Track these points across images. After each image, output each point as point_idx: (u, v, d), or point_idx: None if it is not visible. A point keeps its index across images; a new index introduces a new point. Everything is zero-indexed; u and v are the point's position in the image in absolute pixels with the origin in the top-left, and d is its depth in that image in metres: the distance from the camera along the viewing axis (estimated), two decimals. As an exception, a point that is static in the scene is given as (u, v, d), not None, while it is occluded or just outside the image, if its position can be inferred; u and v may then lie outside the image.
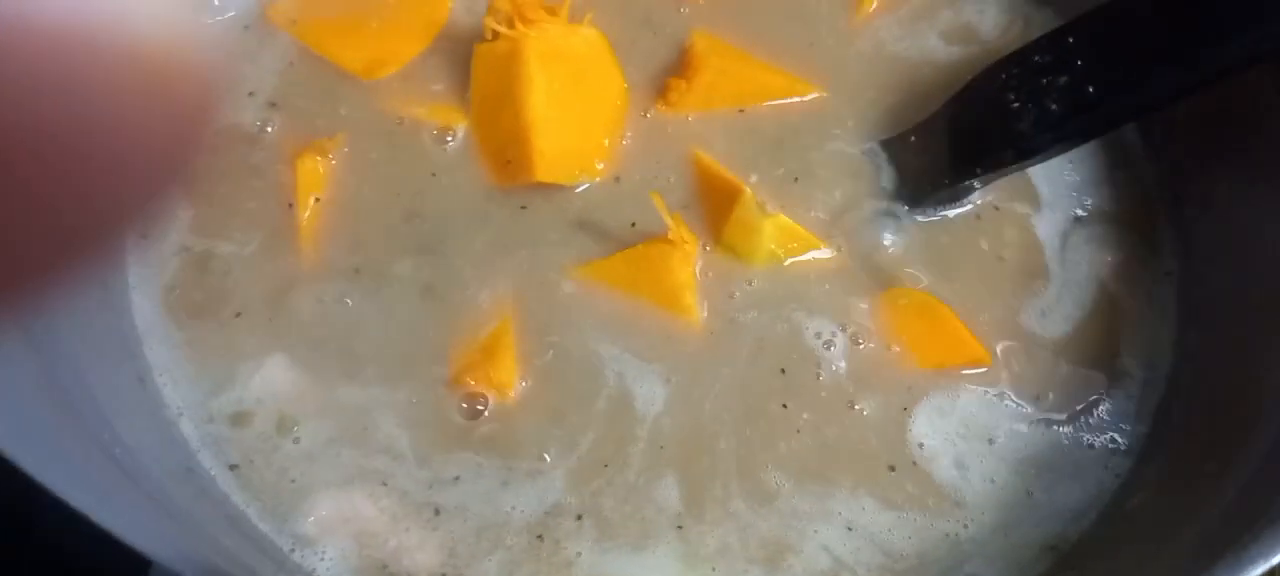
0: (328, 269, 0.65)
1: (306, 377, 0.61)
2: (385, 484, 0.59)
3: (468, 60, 0.71)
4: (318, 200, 0.67)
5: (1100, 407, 0.65)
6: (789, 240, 0.66)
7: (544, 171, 0.67)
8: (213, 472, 0.59)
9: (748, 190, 0.65)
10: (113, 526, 0.42)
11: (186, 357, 0.62)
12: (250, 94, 0.71)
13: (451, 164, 0.69)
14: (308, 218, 0.66)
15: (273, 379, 0.61)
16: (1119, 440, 0.64)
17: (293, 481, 0.59)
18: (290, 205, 0.67)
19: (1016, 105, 0.66)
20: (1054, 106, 0.64)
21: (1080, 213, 0.71)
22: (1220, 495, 0.56)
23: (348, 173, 0.68)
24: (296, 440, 0.60)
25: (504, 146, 0.69)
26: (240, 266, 0.65)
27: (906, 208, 0.69)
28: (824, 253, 0.67)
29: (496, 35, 0.69)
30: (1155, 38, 0.63)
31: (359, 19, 0.73)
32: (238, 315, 0.63)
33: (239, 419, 0.60)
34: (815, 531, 0.60)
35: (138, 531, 0.43)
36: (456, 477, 0.59)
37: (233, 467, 0.59)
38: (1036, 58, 0.66)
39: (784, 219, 0.65)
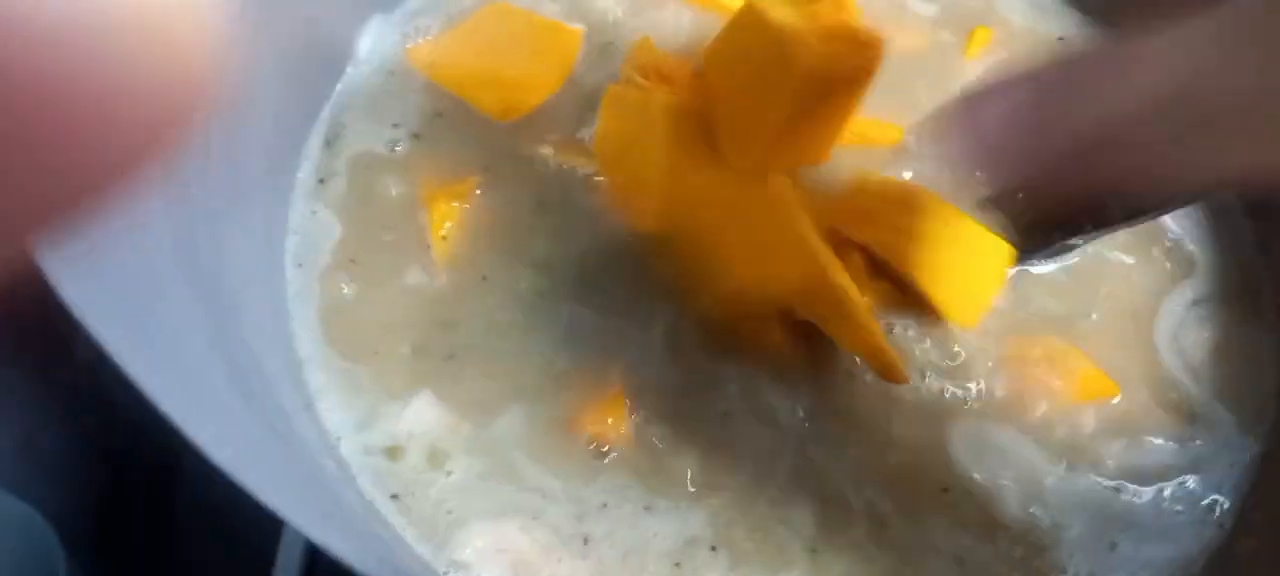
0: (462, 306, 0.69)
1: (452, 415, 0.64)
2: (536, 517, 0.62)
3: (594, 104, 0.74)
4: (444, 238, 0.70)
5: (1196, 461, 0.68)
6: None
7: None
8: (372, 499, 0.62)
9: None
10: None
11: (342, 387, 0.65)
12: (394, 125, 0.75)
13: (579, 203, 0.73)
14: (442, 249, 0.70)
15: (421, 416, 0.64)
16: (1218, 498, 0.67)
17: (449, 512, 0.62)
18: (427, 245, 0.70)
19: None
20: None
21: (1183, 264, 0.74)
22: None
23: (482, 211, 0.72)
24: (449, 473, 0.63)
25: (631, 192, 0.72)
26: (384, 299, 0.68)
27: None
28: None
29: (631, 82, 0.72)
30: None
31: (494, 66, 0.77)
32: (379, 352, 0.67)
33: (393, 452, 0.63)
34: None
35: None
36: (604, 504, 0.63)
37: (393, 497, 0.63)
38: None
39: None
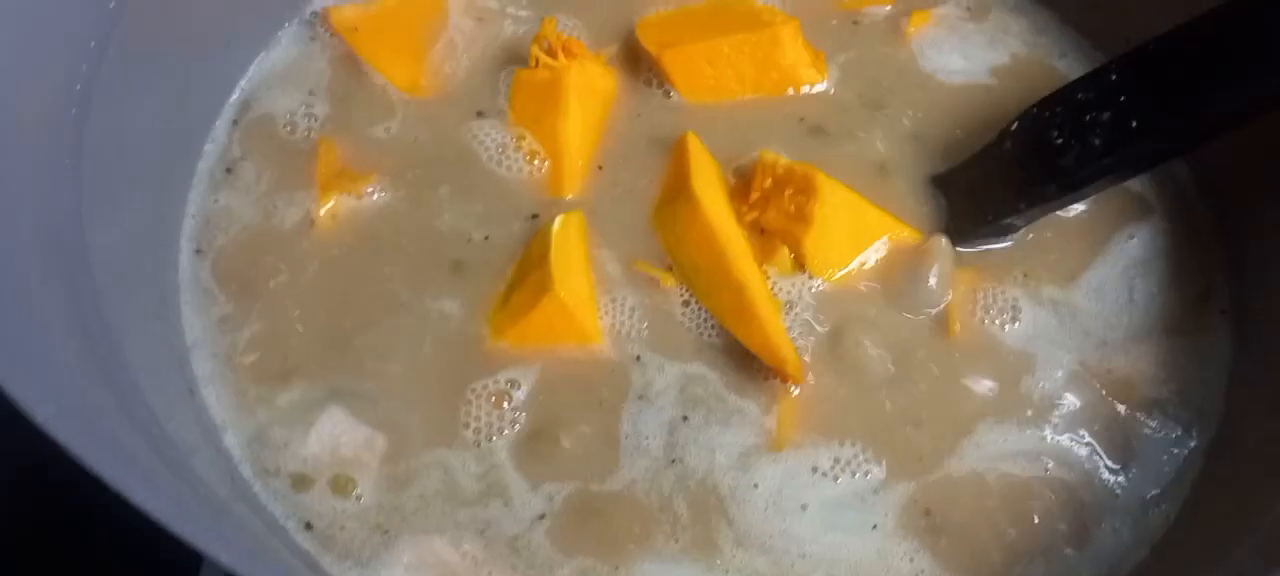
0: (346, 272, 0.67)
1: (362, 429, 0.62)
2: (464, 529, 0.60)
3: (506, 84, 0.74)
4: (334, 213, 0.69)
5: (1150, 446, 0.64)
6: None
7: (572, 189, 0.70)
8: (285, 525, 0.60)
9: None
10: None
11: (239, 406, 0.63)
12: (308, 96, 0.74)
13: (488, 178, 0.71)
14: (325, 220, 0.68)
15: (326, 432, 0.62)
16: (1166, 478, 0.63)
17: (378, 531, 0.60)
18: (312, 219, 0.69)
19: (1060, 141, 0.66)
20: (1097, 141, 0.64)
21: (1129, 250, 0.70)
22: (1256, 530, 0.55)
23: (387, 189, 0.70)
24: (360, 497, 0.60)
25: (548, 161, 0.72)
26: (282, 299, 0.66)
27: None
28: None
29: (539, 62, 0.71)
30: (1197, 73, 0.62)
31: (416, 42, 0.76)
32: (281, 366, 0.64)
33: (300, 481, 0.61)
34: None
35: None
36: (541, 515, 0.60)
37: (307, 526, 0.60)
38: (1080, 94, 0.66)
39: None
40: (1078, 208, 0.71)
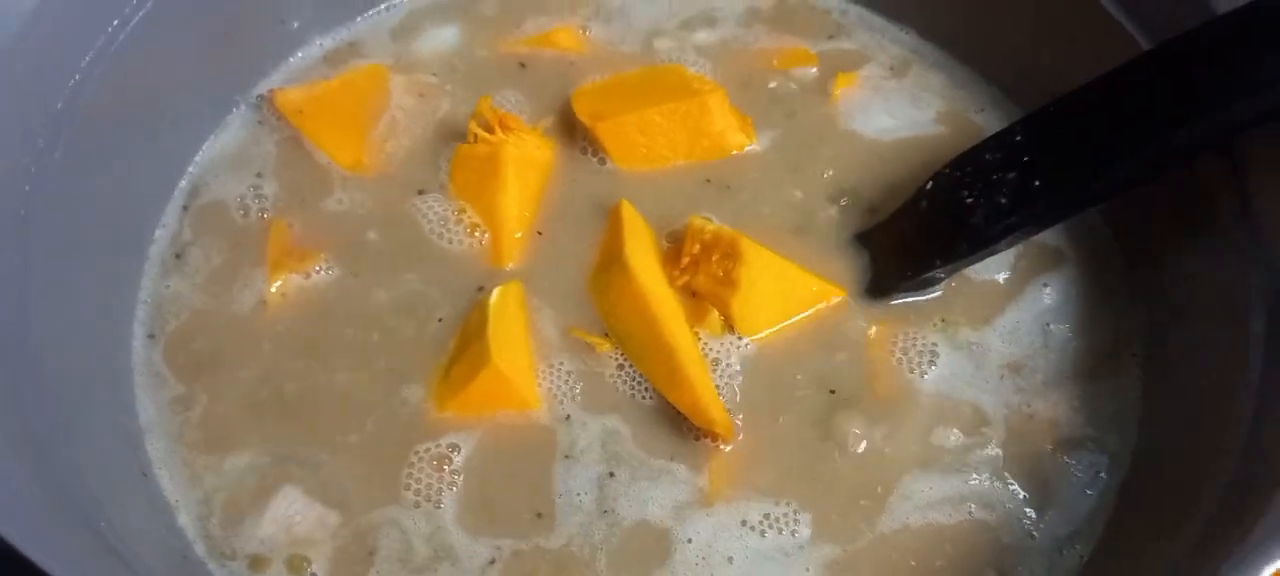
0: (308, 375, 0.69)
1: (316, 507, 0.64)
2: None
3: (446, 159, 0.78)
4: (282, 290, 0.72)
5: (1066, 487, 0.67)
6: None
7: (511, 259, 0.74)
8: None
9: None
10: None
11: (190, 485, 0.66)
12: (255, 178, 0.77)
13: (431, 251, 0.74)
14: (275, 298, 0.71)
15: (281, 512, 0.64)
16: (1081, 518, 0.66)
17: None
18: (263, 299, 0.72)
19: (970, 200, 0.69)
20: (1004, 200, 0.68)
21: (1043, 297, 0.74)
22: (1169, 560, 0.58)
23: (334, 266, 0.73)
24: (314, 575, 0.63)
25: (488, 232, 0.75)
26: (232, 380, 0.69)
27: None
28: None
29: (477, 138, 0.74)
30: (1095, 135, 0.66)
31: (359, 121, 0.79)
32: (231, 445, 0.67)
33: (257, 562, 0.63)
34: None
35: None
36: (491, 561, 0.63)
37: None
38: (987, 155, 0.70)
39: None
40: (996, 258, 0.74)
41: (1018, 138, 0.69)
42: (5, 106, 0.60)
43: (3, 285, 0.59)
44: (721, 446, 0.66)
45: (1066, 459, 0.68)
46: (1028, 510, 0.66)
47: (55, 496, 0.53)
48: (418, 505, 0.64)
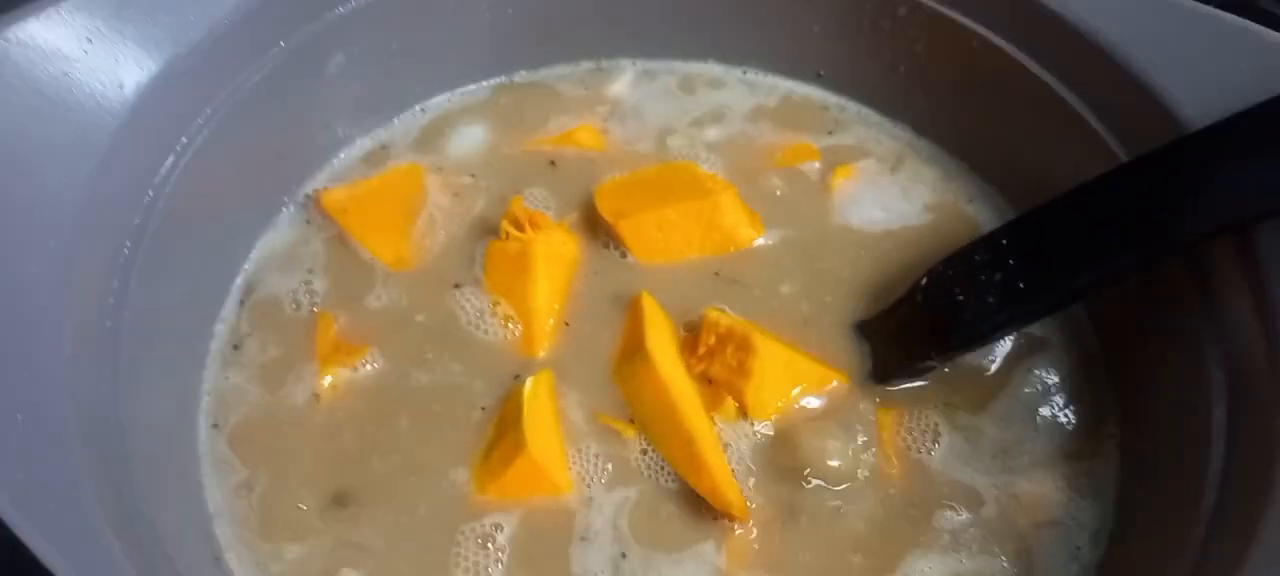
0: (349, 440, 0.76)
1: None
2: None
3: (480, 254, 0.84)
4: (334, 385, 0.78)
5: (1051, 564, 0.73)
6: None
7: (542, 349, 0.80)
8: None
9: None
10: None
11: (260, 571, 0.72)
12: (307, 275, 0.83)
13: (469, 342, 0.81)
14: (327, 392, 0.78)
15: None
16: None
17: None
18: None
19: (961, 298, 0.76)
20: (991, 299, 0.75)
21: (1031, 381, 0.80)
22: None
23: (380, 359, 0.79)
24: None
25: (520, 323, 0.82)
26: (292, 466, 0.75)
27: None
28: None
29: (509, 236, 0.81)
30: (1074, 241, 0.73)
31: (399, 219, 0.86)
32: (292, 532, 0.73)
33: None
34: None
35: None
36: None
37: None
38: (976, 256, 0.76)
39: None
40: (987, 347, 0.81)
41: (1004, 242, 0.76)
42: (97, 222, 0.67)
43: (97, 382, 0.65)
44: (736, 528, 0.73)
45: (1048, 536, 0.74)
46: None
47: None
48: (467, 582, 0.71)
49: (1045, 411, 0.79)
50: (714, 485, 0.72)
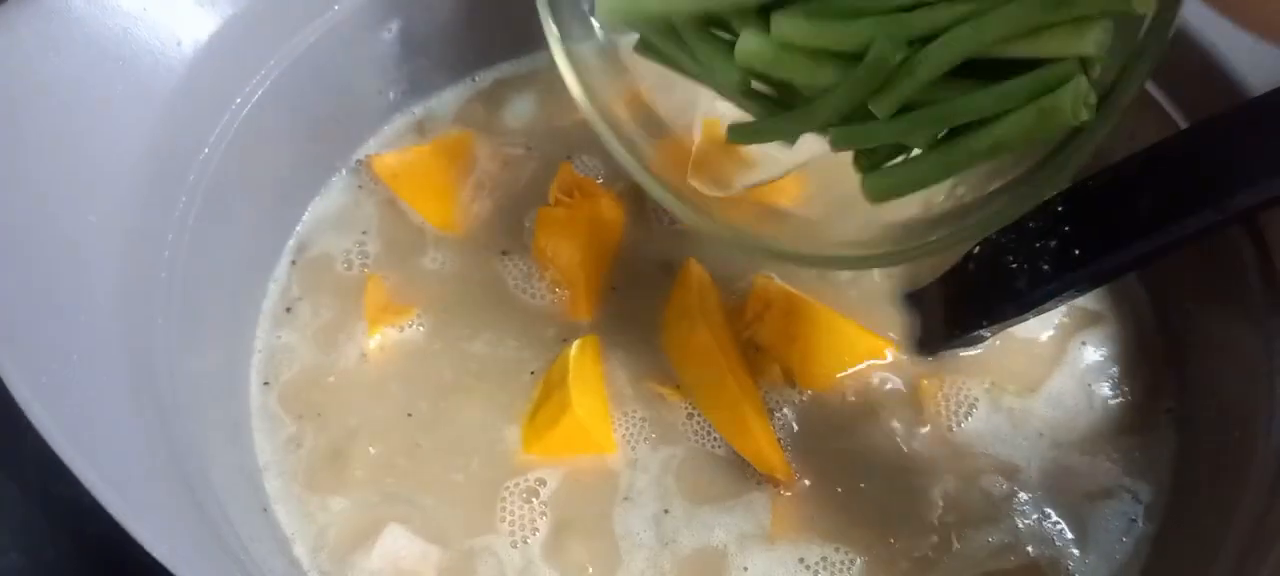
0: (398, 398, 0.77)
1: (419, 542, 0.71)
2: None
3: (530, 220, 0.85)
4: (381, 345, 0.79)
5: (1104, 534, 0.72)
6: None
7: (588, 313, 0.81)
8: None
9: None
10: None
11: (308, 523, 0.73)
12: (361, 236, 0.84)
13: (516, 306, 0.81)
14: (375, 352, 0.79)
15: (388, 547, 0.70)
16: (1119, 563, 0.72)
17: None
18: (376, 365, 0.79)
19: (1014, 266, 0.74)
20: (1046, 267, 0.73)
21: (1084, 355, 0.79)
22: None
23: (427, 320, 0.80)
24: None
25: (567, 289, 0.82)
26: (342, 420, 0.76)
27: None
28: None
29: (558, 202, 0.81)
30: (1132, 208, 0.71)
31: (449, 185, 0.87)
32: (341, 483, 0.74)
33: None
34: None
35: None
36: None
37: None
38: (1030, 224, 0.75)
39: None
40: (1039, 317, 0.79)
41: (1059, 208, 0.74)
42: (154, 176, 0.68)
43: (149, 333, 0.66)
44: (783, 491, 0.72)
45: (1103, 507, 0.73)
46: (1073, 551, 0.72)
47: (200, 524, 0.60)
48: (511, 534, 0.71)
49: (1098, 385, 0.78)
50: (759, 448, 0.72)
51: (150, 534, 0.54)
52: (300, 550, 0.71)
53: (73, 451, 0.55)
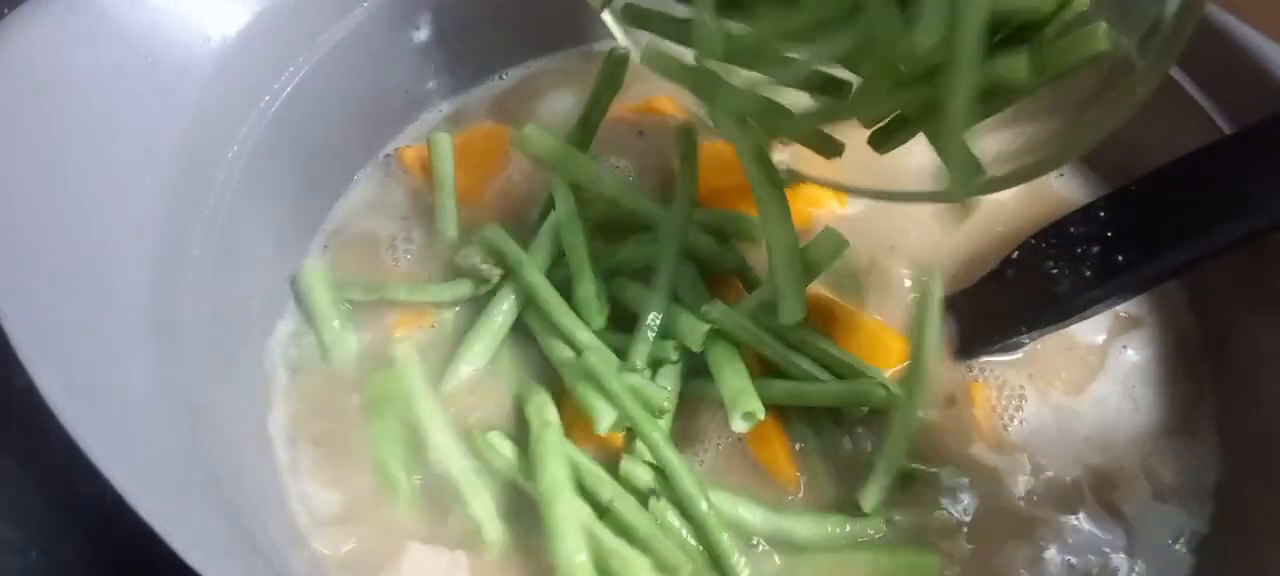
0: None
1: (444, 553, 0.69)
2: None
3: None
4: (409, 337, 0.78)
5: (1151, 538, 0.71)
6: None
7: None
8: None
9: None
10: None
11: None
12: (387, 221, 0.84)
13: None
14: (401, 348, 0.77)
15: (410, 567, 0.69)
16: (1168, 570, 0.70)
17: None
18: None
19: (1055, 271, 0.73)
20: (1088, 273, 0.72)
21: (1125, 359, 0.78)
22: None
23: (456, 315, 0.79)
24: None
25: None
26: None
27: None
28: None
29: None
30: (1176, 214, 0.70)
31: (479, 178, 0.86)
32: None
33: None
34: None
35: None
36: None
37: None
38: (1072, 229, 0.74)
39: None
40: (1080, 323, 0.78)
41: (1102, 213, 0.73)
42: (182, 172, 0.67)
43: (178, 339, 0.65)
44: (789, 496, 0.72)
45: (1151, 513, 0.72)
46: (1121, 557, 0.70)
47: (229, 525, 0.59)
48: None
49: (1141, 389, 0.77)
50: (774, 457, 0.72)
51: (182, 538, 0.53)
52: (324, 553, 0.70)
53: (103, 453, 0.54)
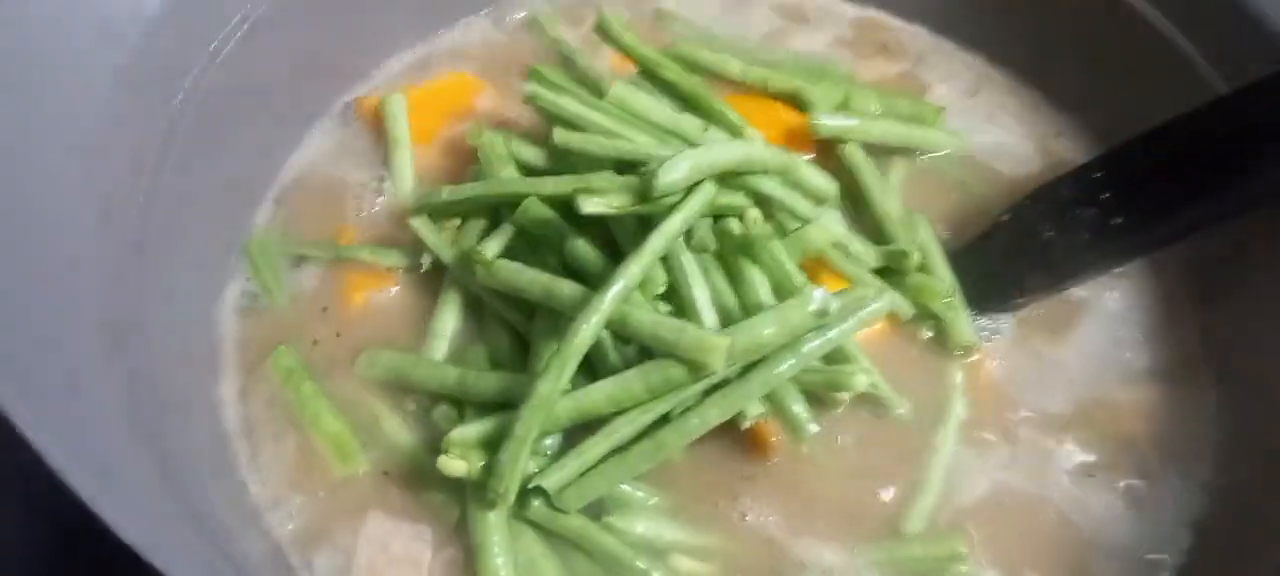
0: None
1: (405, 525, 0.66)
2: None
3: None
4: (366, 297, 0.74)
5: (1141, 518, 0.68)
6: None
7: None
8: None
9: None
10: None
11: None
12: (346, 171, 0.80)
13: None
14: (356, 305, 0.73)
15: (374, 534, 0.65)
16: (1165, 535, 0.67)
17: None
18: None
19: (1049, 235, 0.70)
20: (1084, 236, 0.69)
21: (1122, 330, 0.74)
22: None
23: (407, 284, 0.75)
24: None
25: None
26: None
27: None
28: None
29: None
30: (1174, 176, 0.67)
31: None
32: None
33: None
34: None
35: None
36: None
37: None
38: (1065, 191, 0.71)
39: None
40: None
41: (1097, 175, 0.70)
42: (125, 116, 0.64)
43: (120, 271, 0.62)
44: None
45: (1148, 475, 0.69)
46: (1119, 505, 0.68)
47: (175, 505, 0.56)
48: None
49: (1127, 336, 0.74)
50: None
51: (119, 514, 0.49)
52: (276, 527, 0.66)
53: (42, 434, 0.49)
